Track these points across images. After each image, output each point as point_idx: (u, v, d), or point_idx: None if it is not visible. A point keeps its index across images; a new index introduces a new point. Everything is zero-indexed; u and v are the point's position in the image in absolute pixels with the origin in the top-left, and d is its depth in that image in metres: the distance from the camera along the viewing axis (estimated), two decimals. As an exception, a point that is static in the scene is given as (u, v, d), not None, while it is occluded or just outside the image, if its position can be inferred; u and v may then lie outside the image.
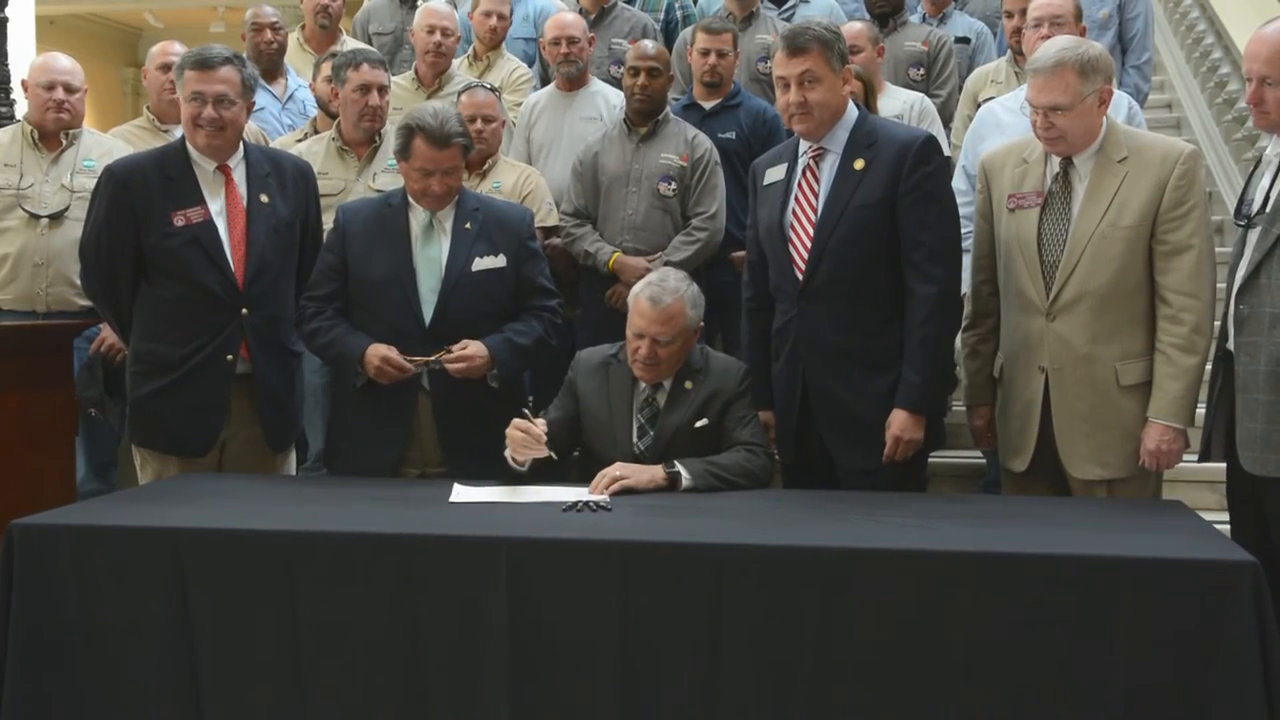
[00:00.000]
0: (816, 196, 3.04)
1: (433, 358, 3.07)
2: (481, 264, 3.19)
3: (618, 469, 2.85)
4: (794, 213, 3.06)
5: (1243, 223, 2.84)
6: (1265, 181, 2.81)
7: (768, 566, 2.27)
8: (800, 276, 3.03)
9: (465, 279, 3.16)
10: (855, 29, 4.53)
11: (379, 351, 3.08)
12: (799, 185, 3.07)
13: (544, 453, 2.84)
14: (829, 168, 3.04)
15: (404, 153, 3.14)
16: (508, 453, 2.90)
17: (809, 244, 3.02)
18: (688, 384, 3.05)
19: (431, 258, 3.18)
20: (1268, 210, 2.75)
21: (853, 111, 3.05)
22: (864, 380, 3.00)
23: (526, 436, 2.84)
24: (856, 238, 2.97)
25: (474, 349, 3.09)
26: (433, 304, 3.15)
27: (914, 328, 2.95)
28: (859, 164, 2.99)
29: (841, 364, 3.02)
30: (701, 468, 2.88)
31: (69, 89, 4.08)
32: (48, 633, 2.41)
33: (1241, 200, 2.90)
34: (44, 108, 4.05)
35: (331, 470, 3.39)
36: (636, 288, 3.06)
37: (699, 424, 3.01)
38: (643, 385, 3.08)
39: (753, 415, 3.07)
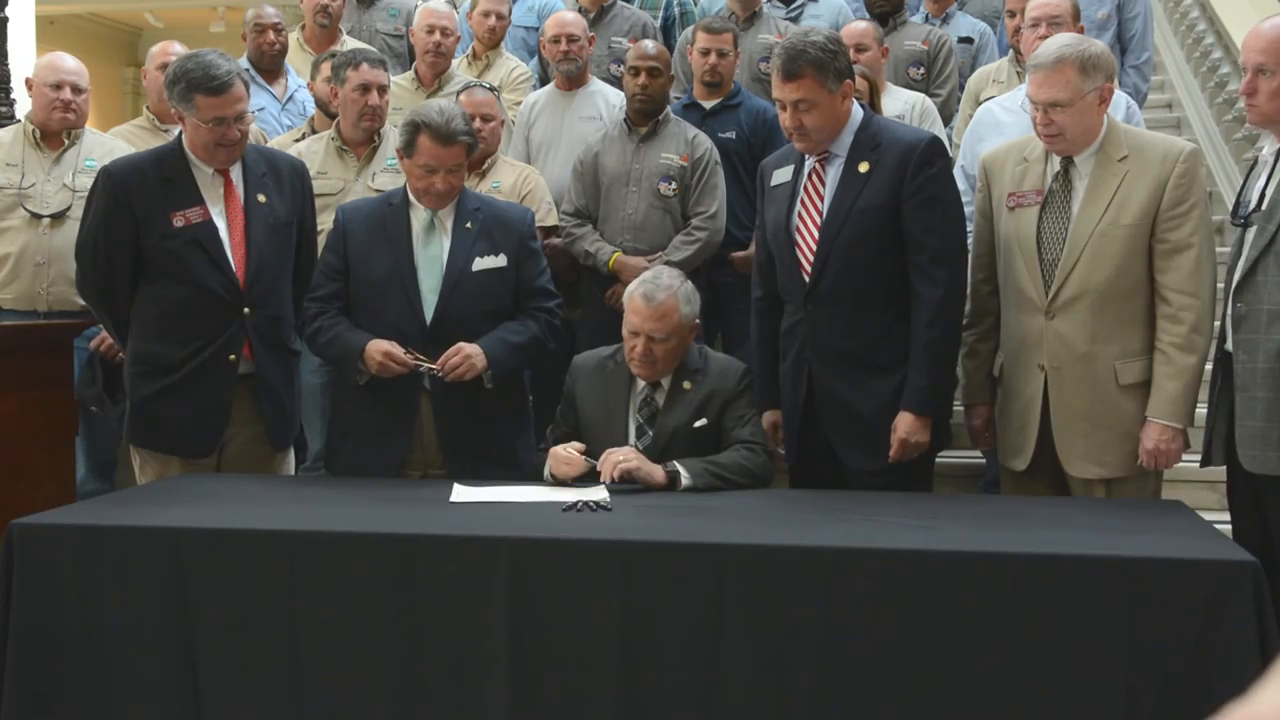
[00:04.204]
0: (822, 200, 3.03)
1: (434, 367, 3.04)
2: (482, 264, 3.18)
3: (625, 453, 2.86)
4: (800, 215, 3.06)
5: (1240, 223, 2.85)
6: (1261, 181, 2.82)
7: (768, 566, 2.27)
8: (806, 279, 3.03)
9: (465, 278, 3.15)
10: (860, 28, 4.53)
11: (380, 347, 3.05)
12: (804, 188, 3.07)
13: (586, 466, 2.88)
14: (834, 171, 3.03)
15: (408, 149, 3.13)
16: (547, 473, 2.97)
17: (814, 247, 3.02)
18: (686, 384, 3.05)
19: (432, 257, 3.17)
20: (1264, 208, 2.76)
21: (857, 114, 3.04)
22: (870, 382, 3.00)
23: (567, 462, 2.91)
24: (862, 241, 2.97)
25: (468, 349, 3.07)
26: (433, 303, 3.14)
27: (919, 330, 2.95)
28: (863, 167, 2.98)
29: (847, 366, 3.02)
30: (701, 467, 2.88)
31: (76, 89, 4.07)
32: (48, 633, 2.41)
33: (1239, 201, 2.90)
34: (50, 107, 4.04)
35: (332, 472, 3.38)
36: (631, 286, 3.07)
37: (698, 424, 3.01)
38: (641, 385, 3.08)
39: (752, 414, 3.06)
